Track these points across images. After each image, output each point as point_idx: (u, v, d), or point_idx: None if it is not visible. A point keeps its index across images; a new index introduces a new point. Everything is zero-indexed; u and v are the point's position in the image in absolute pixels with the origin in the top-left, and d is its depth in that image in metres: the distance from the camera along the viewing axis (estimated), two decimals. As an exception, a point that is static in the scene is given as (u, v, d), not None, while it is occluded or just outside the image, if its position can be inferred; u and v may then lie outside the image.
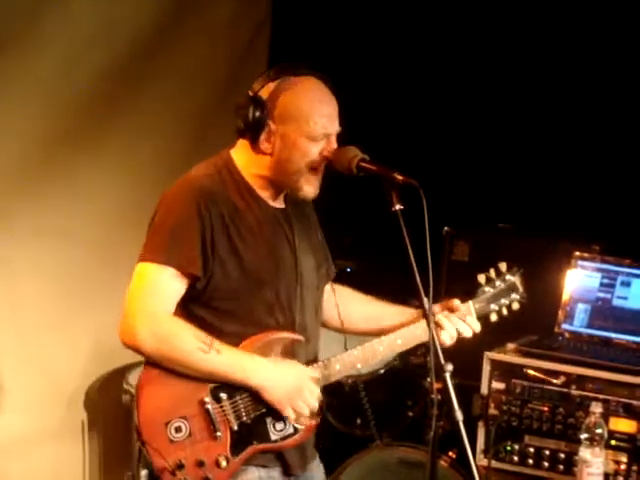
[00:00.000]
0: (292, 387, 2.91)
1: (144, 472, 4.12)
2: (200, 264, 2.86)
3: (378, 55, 4.75)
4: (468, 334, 3.11)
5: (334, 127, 2.93)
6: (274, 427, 2.94)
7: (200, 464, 2.88)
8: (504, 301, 3.18)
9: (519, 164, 4.60)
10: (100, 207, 4.36)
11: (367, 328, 3.19)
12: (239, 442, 2.91)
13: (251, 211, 2.95)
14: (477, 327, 3.13)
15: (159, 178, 4.36)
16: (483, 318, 3.17)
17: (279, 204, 3.02)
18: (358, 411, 4.32)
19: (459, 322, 3.09)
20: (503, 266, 3.18)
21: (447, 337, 3.07)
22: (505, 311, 3.19)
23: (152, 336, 2.85)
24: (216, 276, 2.89)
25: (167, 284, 2.87)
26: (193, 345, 2.85)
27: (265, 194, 2.98)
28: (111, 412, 4.40)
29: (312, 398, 2.94)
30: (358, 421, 4.34)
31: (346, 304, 3.18)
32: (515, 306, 3.20)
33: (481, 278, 3.17)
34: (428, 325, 2.76)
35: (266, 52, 4.94)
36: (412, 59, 4.76)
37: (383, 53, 4.77)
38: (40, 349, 4.23)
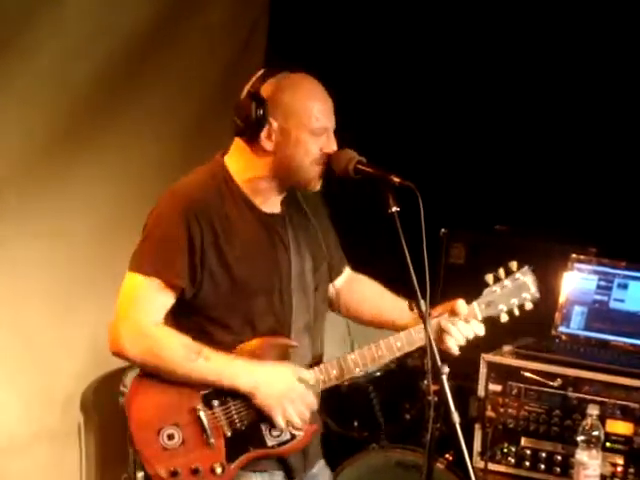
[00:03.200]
0: (282, 392, 2.89)
1: (140, 474, 4.12)
2: (186, 276, 2.87)
3: (375, 55, 4.75)
4: (471, 337, 3.06)
5: (332, 122, 2.95)
6: (270, 433, 2.93)
7: (195, 472, 2.87)
8: (514, 301, 3.10)
9: (516, 166, 4.60)
10: (98, 208, 4.36)
11: (372, 321, 3.20)
12: (234, 448, 2.90)
13: (244, 219, 2.94)
14: (480, 331, 3.06)
15: (157, 179, 4.36)
16: (492, 318, 3.10)
17: (273, 209, 3.01)
18: (355, 413, 4.32)
19: (464, 326, 3.03)
20: (513, 265, 3.10)
21: (453, 343, 3.03)
22: (517, 311, 3.11)
23: (137, 346, 2.86)
24: (205, 286, 2.89)
25: (153, 295, 2.88)
26: (179, 354, 2.86)
27: (258, 200, 2.98)
28: (108, 414, 4.39)
29: (303, 404, 2.92)
30: (355, 423, 4.34)
31: (359, 296, 3.19)
32: (528, 306, 3.12)
33: (489, 278, 3.10)
34: (425, 327, 2.76)
35: (263, 52, 4.94)
36: (409, 60, 4.76)
37: (380, 53, 4.77)
38: (36, 351, 4.22)
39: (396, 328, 3.07)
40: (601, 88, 4.47)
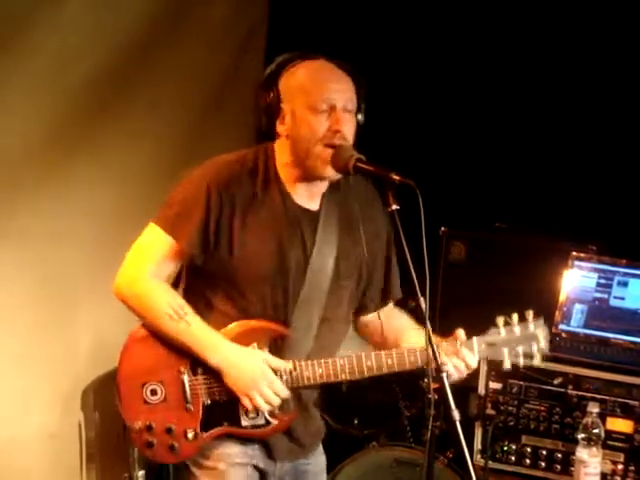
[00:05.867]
0: (250, 376, 2.93)
1: (141, 473, 4.12)
2: (195, 244, 2.93)
3: (375, 55, 4.74)
4: (462, 369, 2.99)
5: (340, 100, 2.91)
6: (246, 413, 2.97)
7: (168, 430, 2.95)
8: (521, 349, 3.02)
9: (516, 164, 4.60)
10: (98, 208, 4.35)
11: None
12: (210, 419, 2.96)
13: (271, 205, 2.96)
14: (473, 363, 3.01)
15: (156, 178, 4.37)
16: (495, 361, 3.07)
17: (309, 204, 3.01)
18: (355, 411, 4.32)
19: (456, 361, 2.98)
20: (529, 314, 3.03)
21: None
22: (522, 361, 3.04)
23: (130, 290, 2.97)
24: (215, 260, 2.94)
25: (162, 250, 2.97)
26: (164, 310, 2.93)
27: (294, 189, 2.99)
28: (107, 413, 4.39)
29: (270, 392, 2.94)
30: (355, 421, 4.34)
31: (392, 330, 3.15)
32: (534, 360, 3.05)
33: (499, 320, 3.01)
34: (425, 326, 2.75)
35: (262, 53, 4.94)
36: (409, 59, 4.76)
37: (380, 53, 4.76)
38: (36, 350, 4.22)
39: None
40: (599, 86, 4.47)
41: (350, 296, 3.12)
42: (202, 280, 2.99)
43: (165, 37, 4.50)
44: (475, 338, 3.02)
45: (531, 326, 3.04)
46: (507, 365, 3.04)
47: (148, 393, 2.95)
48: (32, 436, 4.23)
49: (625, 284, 3.92)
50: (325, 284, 3.03)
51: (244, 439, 3.00)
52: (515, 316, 3.03)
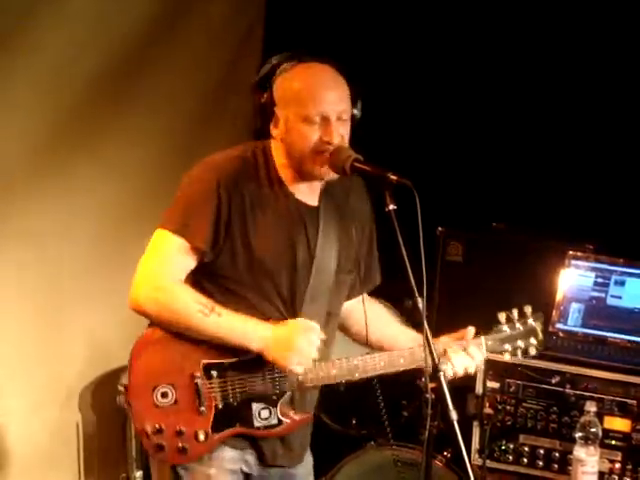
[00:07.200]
0: (290, 335, 2.90)
1: (138, 473, 4.13)
2: (209, 240, 2.91)
3: (372, 55, 4.74)
4: (470, 369, 3.08)
5: (334, 111, 2.91)
6: (259, 414, 2.97)
7: (179, 433, 2.93)
8: (520, 344, 3.14)
9: (513, 164, 4.60)
10: (100, 205, 4.35)
11: (381, 347, 3.18)
12: (222, 421, 2.95)
13: (275, 202, 2.97)
14: (480, 360, 3.08)
15: (158, 175, 4.38)
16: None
17: (310, 200, 3.03)
18: (353, 411, 4.32)
19: (465, 357, 3.06)
20: (528, 309, 3.15)
21: (450, 371, 3.04)
22: (520, 355, 3.17)
23: (153, 301, 2.91)
24: (224, 255, 2.93)
25: (176, 252, 2.93)
26: (193, 308, 2.89)
27: (294, 187, 3.00)
28: (105, 414, 4.39)
29: (313, 334, 2.92)
30: (353, 421, 4.34)
31: (372, 321, 3.17)
32: (532, 352, 3.17)
33: (501, 316, 3.13)
34: (422, 325, 2.76)
35: (260, 50, 4.94)
36: (405, 59, 4.76)
37: (377, 53, 4.76)
38: (35, 350, 4.22)
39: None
40: (597, 86, 4.47)
41: (347, 289, 3.15)
42: (210, 282, 2.97)
43: (166, 34, 4.51)
44: (482, 338, 3.10)
45: (530, 321, 3.16)
46: (506, 358, 3.17)
47: (159, 396, 2.92)
48: (30, 436, 4.22)
49: (622, 283, 3.92)
50: (330, 279, 3.05)
51: (239, 445, 2.99)
52: (515, 312, 3.14)
